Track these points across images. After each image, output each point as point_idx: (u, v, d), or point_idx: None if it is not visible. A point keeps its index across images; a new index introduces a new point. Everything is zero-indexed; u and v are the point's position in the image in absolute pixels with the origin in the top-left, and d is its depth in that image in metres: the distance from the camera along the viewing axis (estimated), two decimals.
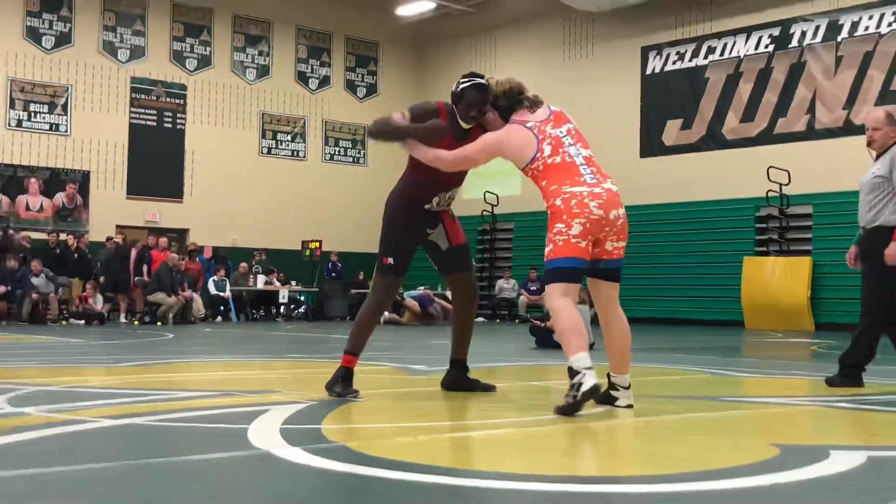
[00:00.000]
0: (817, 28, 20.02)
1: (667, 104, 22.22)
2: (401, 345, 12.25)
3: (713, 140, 21.35)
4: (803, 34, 20.22)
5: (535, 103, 5.46)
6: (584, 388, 4.81)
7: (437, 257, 6.00)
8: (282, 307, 21.91)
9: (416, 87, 27.66)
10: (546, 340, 11.30)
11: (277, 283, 22.01)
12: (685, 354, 10.56)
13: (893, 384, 7.04)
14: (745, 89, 20.96)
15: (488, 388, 6.02)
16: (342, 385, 5.56)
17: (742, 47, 21.13)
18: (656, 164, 22.20)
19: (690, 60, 21.95)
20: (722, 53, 21.44)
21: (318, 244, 23.44)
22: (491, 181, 25.24)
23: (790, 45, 20.39)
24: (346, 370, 5.67)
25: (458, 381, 6.06)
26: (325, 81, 26.29)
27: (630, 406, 5.26)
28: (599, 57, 23.60)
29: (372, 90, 27.11)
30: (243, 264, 21.73)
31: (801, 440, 4.43)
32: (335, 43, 26.50)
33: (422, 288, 20.61)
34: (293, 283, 22.69)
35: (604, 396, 5.25)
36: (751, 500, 3.06)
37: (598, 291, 5.35)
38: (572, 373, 4.92)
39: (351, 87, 26.78)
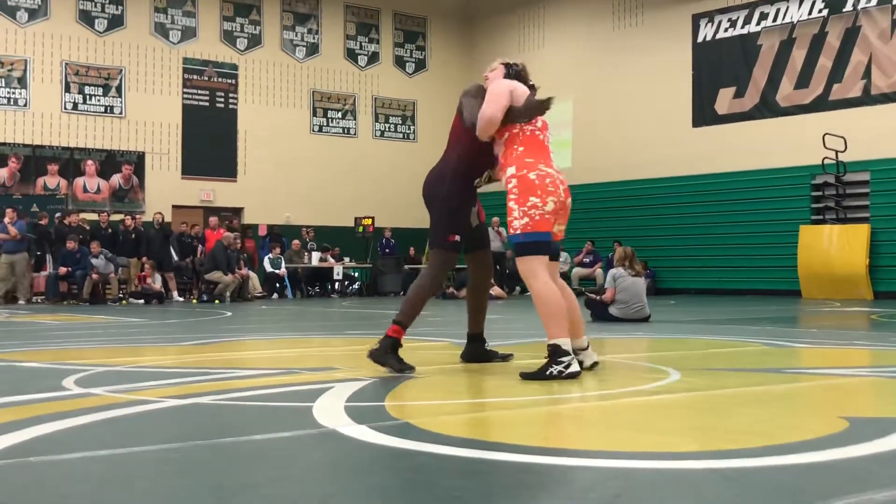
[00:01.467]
0: None
1: (719, 72, 21.93)
2: (457, 320, 12.26)
3: (767, 108, 21.05)
4: None
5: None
6: (573, 369, 5.23)
7: (470, 235, 6.08)
8: (336, 283, 22.05)
9: (465, 61, 27.58)
10: (601, 313, 11.25)
11: (332, 260, 22.15)
12: (742, 326, 10.46)
13: None
14: (798, 55, 20.62)
15: (506, 358, 6.20)
16: (395, 359, 5.63)
17: (795, 12, 20.77)
18: (709, 134, 21.94)
19: (742, 27, 21.63)
20: (774, 19, 21.09)
21: (370, 220, 23.54)
22: None
23: (844, 9, 19.99)
24: (394, 341, 5.73)
25: (477, 353, 6.24)
26: (374, 58, 26.30)
27: (595, 363, 5.70)
28: (649, 26, 23.34)
29: (421, 65, 27.07)
30: (296, 241, 21.89)
31: (870, 413, 4.37)
32: (383, 19, 26.48)
33: None
34: (347, 259, 22.82)
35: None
36: (823, 474, 3.03)
37: None
38: (558, 351, 5.22)
39: (400, 62, 26.77)
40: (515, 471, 3.07)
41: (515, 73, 5.78)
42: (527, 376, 5.30)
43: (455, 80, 27.37)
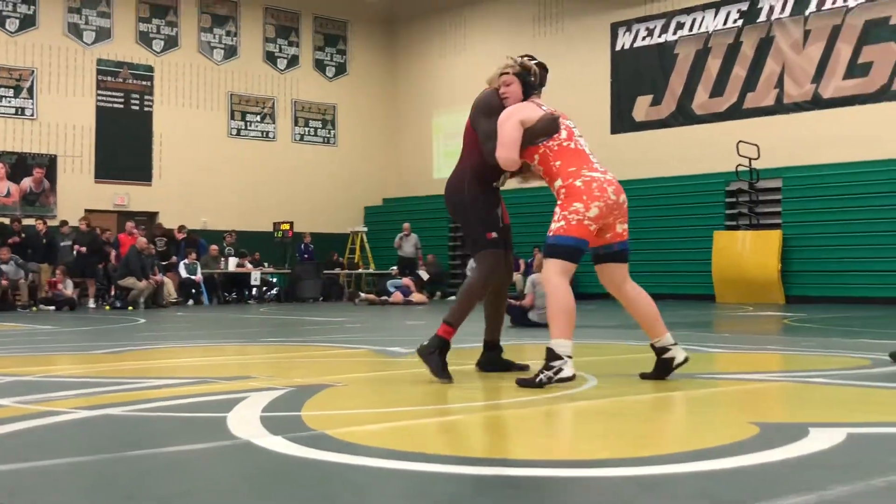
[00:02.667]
0: (785, 2, 20.09)
1: (637, 80, 22.25)
2: (376, 326, 12.24)
3: (683, 115, 21.42)
4: (771, 8, 20.28)
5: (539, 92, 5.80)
6: (564, 374, 5.10)
7: None
8: (254, 289, 21.82)
9: (387, 65, 27.56)
10: (521, 319, 11.30)
11: (249, 266, 21.91)
12: None
13: (867, 358, 7.09)
14: (713, 64, 21.03)
15: (523, 368, 6.05)
16: (438, 362, 5.58)
17: (711, 22, 21.18)
18: (627, 141, 22.25)
19: (660, 36, 21.99)
20: (691, 29, 21.49)
21: (289, 225, 23.34)
22: None
23: (758, 20, 20.45)
24: (444, 342, 5.67)
25: (493, 361, 6.13)
26: (293, 61, 26.12)
27: (686, 359, 5.59)
28: (569, 34, 23.59)
29: (341, 69, 26.96)
30: (214, 247, 21.60)
31: (780, 418, 4.45)
32: (303, 22, 26.32)
33: (403, 279, 20.68)
34: (265, 264, 22.60)
35: (660, 366, 5.61)
36: (734, 480, 3.07)
37: (611, 273, 5.59)
38: (552, 355, 5.11)
39: (320, 66, 26.63)
40: (431, 481, 3.06)
41: (531, 82, 5.68)
42: (522, 383, 5.25)
43: (376, 84, 27.34)
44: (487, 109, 5.69)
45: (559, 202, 5.35)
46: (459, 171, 5.89)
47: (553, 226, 5.31)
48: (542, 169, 5.51)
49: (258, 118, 25.44)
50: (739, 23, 20.75)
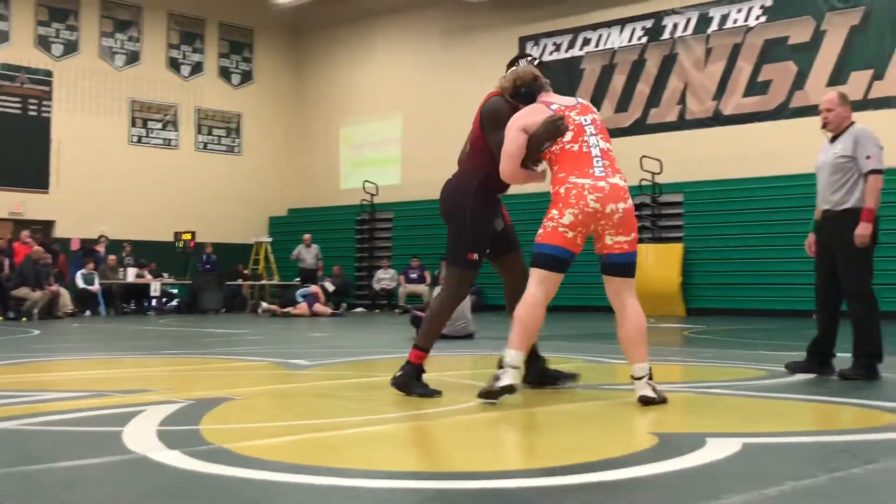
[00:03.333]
0: (688, 21, 20.56)
1: None
2: (279, 338, 12.11)
3: None
4: (675, 27, 20.73)
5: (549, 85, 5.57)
6: (501, 383, 5.01)
7: (494, 240, 5.85)
8: (153, 300, 21.40)
9: (293, 75, 27.36)
10: None
11: (149, 276, 21.49)
12: (563, 342, 10.70)
13: (764, 369, 7.27)
14: (618, 80, 21.39)
15: (574, 377, 5.92)
16: (420, 385, 5.42)
17: (616, 39, 21.54)
18: None
19: (567, 51, 22.28)
20: (597, 45, 21.82)
21: (190, 235, 22.96)
22: (370, 170, 25.22)
23: (662, 38, 20.88)
24: (417, 367, 5.50)
25: (544, 375, 5.88)
26: (197, 68, 25.75)
27: (647, 399, 5.08)
28: (478, 46, 23.71)
29: (247, 77, 26.67)
30: (112, 257, 21.14)
31: (679, 428, 4.53)
32: (208, 29, 25.96)
33: (311, 286, 20.52)
34: (165, 275, 22.18)
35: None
36: (634, 491, 3.12)
37: (607, 285, 5.40)
38: (500, 363, 5.13)
39: (225, 73, 26.30)
40: (332, 494, 3.04)
41: (528, 93, 5.50)
42: (480, 394, 5.13)
43: (283, 93, 27.12)
44: (496, 120, 5.49)
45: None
46: (464, 178, 5.69)
47: (539, 232, 5.24)
48: (551, 171, 5.37)
49: (160, 125, 25.00)
50: (644, 40, 21.16)
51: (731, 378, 6.67)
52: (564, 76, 22.17)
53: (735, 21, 19.90)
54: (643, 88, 20.92)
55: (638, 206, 20.43)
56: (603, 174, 5.15)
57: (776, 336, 12.09)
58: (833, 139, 6.92)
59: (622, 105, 21.21)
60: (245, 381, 6.47)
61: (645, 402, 5.05)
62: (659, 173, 19.51)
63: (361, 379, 6.12)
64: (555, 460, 3.67)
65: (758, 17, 19.62)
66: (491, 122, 5.53)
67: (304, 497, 3.02)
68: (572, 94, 22.10)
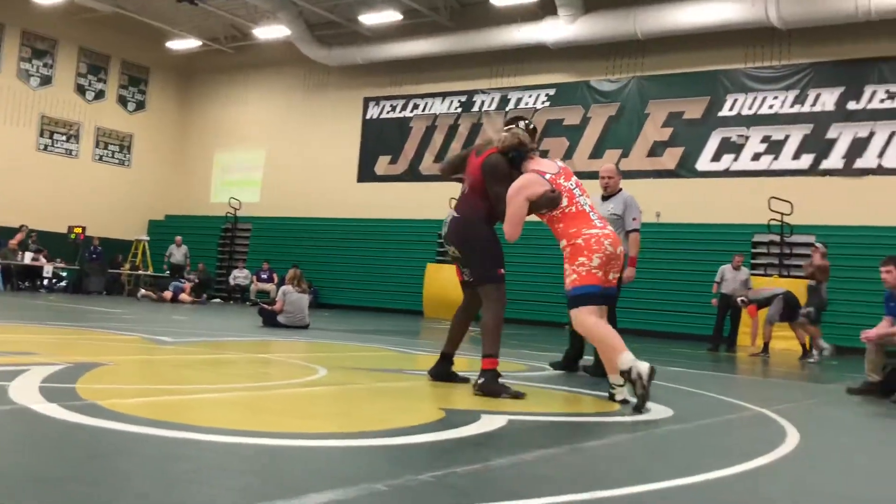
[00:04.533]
0: (492, 99, 21.08)
1: (380, 143, 22.55)
2: (150, 318, 11.61)
3: (412, 174, 21.90)
4: (483, 102, 21.21)
5: (537, 150, 5.33)
6: (638, 371, 4.62)
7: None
8: (46, 280, 20.13)
9: (180, 107, 26.43)
10: (271, 321, 11.10)
11: (43, 260, 20.20)
12: (380, 335, 10.73)
13: (525, 364, 7.48)
14: (438, 138, 21.68)
15: (465, 380, 5.54)
16: (507, 390, 4.96)
17: (439, 106, 21.84)
18: (369, 188, 22.47)
19: (400, 112, 22.42)
20: (423, 109, 22.06)
21: (81, 229, 21.82)
22: (236, 189, 24.62)
23: (473, 109, 21.32)
24: (495, 372, 5.06)
25: (445, 373, 5.56)
26: (100, 94, 24.47)
27: (626, 402, 4.92)
28: (332, 100, 23.58)
29: (141, 106, 25.54)
30: (12, 241, 19.75)
31: (462, 405, 4.58)
32: (112, 63, 24.73)
33: (185, 282, 19.94)
34: (58, 260, 20.92)
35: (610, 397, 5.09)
36: (421, 454, 3.15)
37: (596, 313, 5.09)
38: (624, 374, 4.72)
39: (122, 101, 25.10)
40: (182, 446, 2.94)
41: (517, 157, 5.25)
42: (636, 409, 4.65)
43: (170, 121, 26.16)
44: (499, 175, 5.23)
45: (565, 259, 4.99)
46: (474, 210, 5.32)
47: (567, 280, 4.93)
48: (550, 226, 5.16)
49: (64, 138, 23.60)
50: (459, 110, 21.54)
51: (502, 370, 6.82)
52: (397, 131, 22.32)
53: (527, 103, 20.54)
54: (456, 146, 21.26)
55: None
56: (602, 225, 5.05)
57: (535, 340, 12.46)
58: (605, 198, 7.23)
59: (439, 157, 21.47)
60: (117, 350, 6.17)
61: (624, 402, 4.93)
62: None
63: (215, 355, 5.95)
64: (362, 427, 3.67)
65: (543, 102, 20.33)
66: (493, 175, 5.26)
67: (159, 446, 2.91)
68: (402, 146, 22.41)
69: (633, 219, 7.01)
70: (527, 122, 5.46)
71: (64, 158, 23.56)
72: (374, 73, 22.63)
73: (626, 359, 4.72)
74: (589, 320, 4.89)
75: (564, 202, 5.04)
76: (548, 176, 5.10)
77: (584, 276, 4.90)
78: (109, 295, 20.49)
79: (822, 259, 12.31)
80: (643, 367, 4.62)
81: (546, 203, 5.02)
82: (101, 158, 24.39)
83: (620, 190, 7.24)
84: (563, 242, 5.02)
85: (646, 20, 17.81)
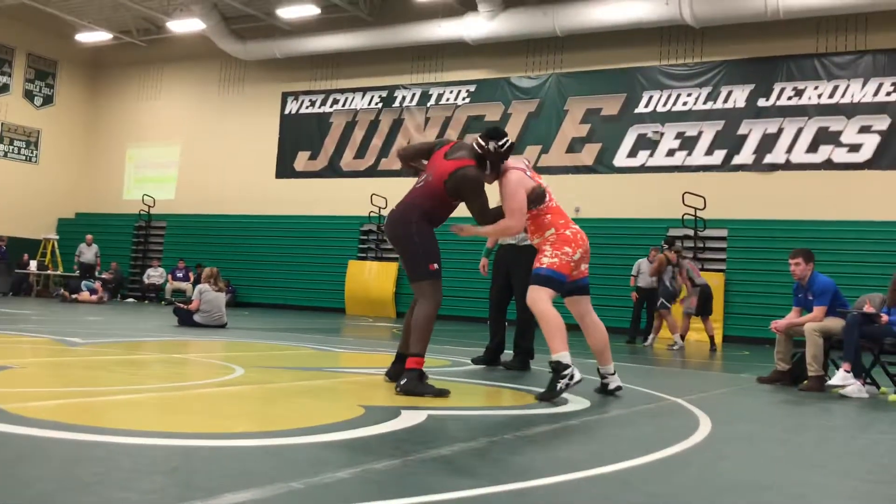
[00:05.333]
0: (413, 95, 21.07)
1: (299, 139, 22.30)
2: (59, 319, 11.22)
3: (333, 170, 21.73)
4: (404, 98, 21.18)
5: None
6: (575, 378, 5.00)
7: None
8: None
9: (90, 102, 25.60)
10: (187, 320, 10.87)
11: None
12: (299, 333, 10.62)
13: (448, 360, 7.51)
14: (359, 134, 21.55)
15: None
16: (428, 386, 4.89)
17: (359, 102, 21.72)
18: (288, 185, 22.20)
19: (319, 107, 22.20)
20: (344, 104, 21.90)
21: None
22: (150, 185, 24.01)
23: (394, 105, 21.26)
24: (420, 372, 4.97)
25: (401, 373, 5.19)
26: (4, 88, 23.51)
27: (619, 388, 5.50)
28: (249, 95, 23.20)
29: (48, 100, 24.65)
30: None
31: (381, 402, 4.58)
32: (17, 56, 23.78)
33: (96, 282, 19.38)
34: None
35: (600, 388, 5.52)
36: (339, 450, 3.13)
37: (577, 304, 5.50)
38: (560, 366, 4.95)
39: (29, 95, 24.18)
40: (92, 449, 2.85)
41: (484, 164, 5.23)
42: (542, 397, 4.91)
43: (79, 116, 25.32)
44: (479, 190, 5.19)
45: (548, 243, 5.20)
46: (408, 208, 5.21)
47: (545, 259, 5.15)
48: (530, 224, 5.32)
49: None
50: (380, 105, 21.46)
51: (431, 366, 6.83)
52: (317, 127, 22.10)
53: (447, 99, 20.60)
54: (377, 142, 21.20)
55: (366, 232, 20.69)
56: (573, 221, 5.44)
57: (463, 336, 12.53)
58: None
59: (360, 153, 21.39)
60: (25, 353, 5.95)
61: (617, 389, 5.49)
62: (384, 207, 19.78)
63: (128, 356, 5.79)
64: (280, 426, 3.62)
65: (464, 98, 20.42)
66: (474, 190, 5.18)
67: (66, 450, 2.81)
68: (321, 142, 22.23)
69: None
70: (505, 141, 5.29)
71: None
72: (292, 68, 22.37)
73: (566, 357, 4.99)
74: (546, 303, 5.08)
75: (548, 197, 5.34)
76: (528, 173, 5.36)
77: (563, 264, 5.18)
78: (16, 296, 19.75)
79: (657, 255, 12.99)
80: (577, 374, 5.02)
81: (536, 198, 5.27)
82: (5, 155, 23.47)
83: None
84: (552, 231, 5.26)
85: (564, 17, 18.07)
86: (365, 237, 20.82)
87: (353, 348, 8.78)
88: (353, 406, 4.28)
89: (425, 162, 5.49)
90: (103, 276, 20.54)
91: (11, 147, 23.63)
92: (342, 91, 21.93)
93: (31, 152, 24.14)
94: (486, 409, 4.80)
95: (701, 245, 17.03)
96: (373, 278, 19.64)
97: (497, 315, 7.38)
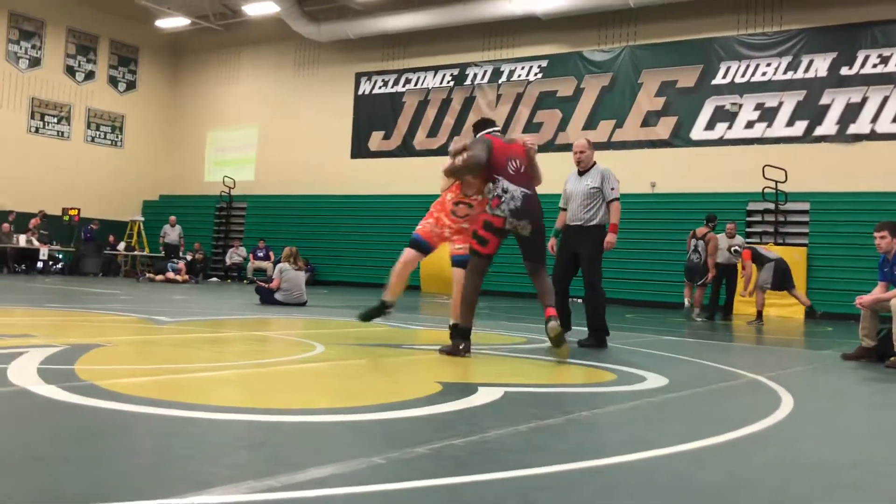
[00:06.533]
0: (485, 72, 20.97)
1: (373, 119, 22.47)
2: (146, 298, 11.62)
3: (406, 149, 21.85)
4: (475, 75, 21.10)
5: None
6: (461, 349, 5.58)
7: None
8: (41, 263, 20.10)
9: (171, 87, 26.28)
10: (268, 298, 11.13)
11: (38, 242, 20.17)
12: None
13: (525, 337, 7.51)
14: (431, 113, 21.59)
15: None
16: (465, 343, 5.60)
17: (431, 81, 21.73)
18: (363, 164, 22.42)
19: (392, 87, 22.31)
20: (416, 84, 21.95)
21: (76, 211, 21.76)
22: (230, 168, 24.53)
23: (465, 83, 21.21)
24: (466, 330, 5.67)
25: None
26: (90, 75, 24.32)
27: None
28: (323, 77, 23.46)
29: (132, 86, 25.40)
30: (6, 224, 19.74)
31: (458, 379, 4.62)
32: (101, 44, 24.56)
33: (179, 262, 20.10)
34: (53, 242, 20.89)
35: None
36: (418, 426, 3.17)
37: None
38: (452, 329, 5.67)
39: (113, 81, 24.95)
40: (180, 424, 2.96)
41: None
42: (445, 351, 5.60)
43: (161, 101, 26.02)
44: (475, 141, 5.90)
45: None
46: (536, 195, 5.85)
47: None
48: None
49: (56, 120, 23.49)
50: (451, 83, 21.44)
51: (497, 343, 6.86)
52: (390, 106, 22.22)
53: (519, 75, 20.45)
54: (449, 120, 21.21)
55: None
56: None
57: (534, 313, 12.50)
58: (581, 173, 7.23)
59: (433, 132, 21.44)
60: (115, 331, 6.18)
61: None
62: None
63: (212, 334, 5.96)
64: (360, 402, 3.69)
65: (536, 74, 20.23)
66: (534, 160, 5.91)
67: (157, 425, 2.92)
68: (395, 121, 22.36)
69: (612, 188, 7.12)
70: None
71: (56, 140, 23.46)
72: (365, 48, 22.50)
73: (467, 324, 5.58)
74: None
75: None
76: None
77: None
78: (106, 276, 20.49)
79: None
80: (468, 347, 5.54)
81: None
82: (93, 140, 24.29)
83: (594, 164, 7.26)
84: (481, 198, 5.84)
85: None
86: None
87: (429, 325, 8.85)
88: (431, 382, 4.32)
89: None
90: (187, 256, 21.13)
91: (98, 132, 24.46)
92: (414, 70, 21.97)
93: (117, 137, 24.93)
94: (563, 387, 4.79)
95: (782, 219, 16.57)
96: (446, 256, 19.69)
97: (560, 293, 7.34)
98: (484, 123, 6.21)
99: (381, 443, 2.82)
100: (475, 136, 6.06)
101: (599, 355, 6.34)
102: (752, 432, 3.39)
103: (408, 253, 6.05)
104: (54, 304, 9.57)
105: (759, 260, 12.41)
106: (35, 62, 23.06)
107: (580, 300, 7.40)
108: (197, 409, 3.18)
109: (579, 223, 7.11)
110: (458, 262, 6.12)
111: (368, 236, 21.48)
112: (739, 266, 12.97)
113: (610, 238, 7.00)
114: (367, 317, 6.10)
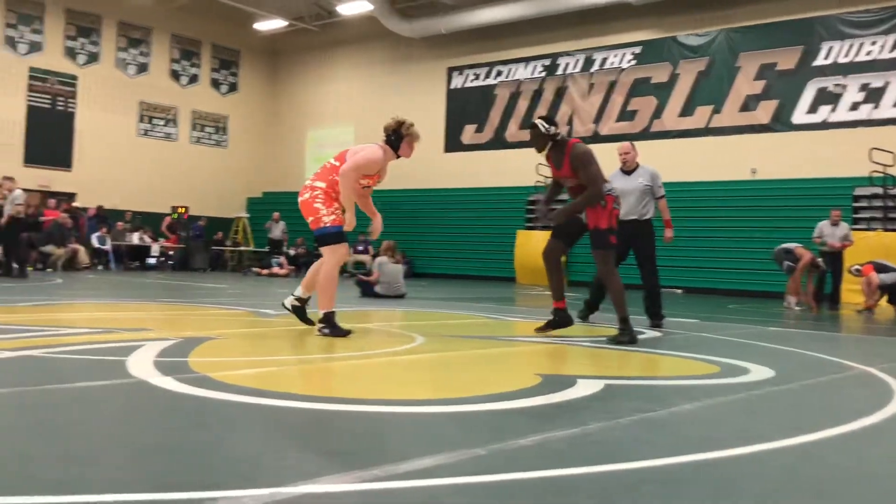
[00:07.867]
0: (577, 61, 20.72)
1: (465, 112, 22.51)
2: (252, 292, 11.97)
3: (498, 141, 21.81)
4: (567, 65, 20.88)
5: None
6: (338, 334, 5.72)
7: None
8: (153, 259, 20.98)
9: (271, 87, 26.98)
10: (368, 291, 11.30)
11: (149, 239, 21.06)
12: (473, 303, 10.77)
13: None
14: (522, 105, 21.48)
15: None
16: (630, 334, 5.98)
17: (522, 72, 21.62)
18: (456, 158, 22.50)
19: (483, 80, 22.30)
20: (507, 76, 21.88)
21: (185, 209, 22.60)
22: None
23: (557, 73, 21.01)
24: (626, 331, 6.04)
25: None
26: (193, 79, 25.20)
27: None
28: (415, 73, 23.63)
29: (233, 88, 26.20)
30: (120, 223, 20.70)
31: (557, 371, 4.59)
32: (203, 48, 25.42)
33: (281, 257, 20.64)
34: (163, 239, 21.78)
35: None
36: (519, 418, 3.17)
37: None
38: (327, 317, 5.77)
39: (215, 84, 25.79)
40: (288, 414, 3.04)
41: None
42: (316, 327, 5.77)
43: (262, 102, 26.76)
44: (589, 160, 6.13)
45: (323, 201, 6.02)
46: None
47: (327, 220, 5.95)
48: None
49: (163, 122, 24.45)
50: (543, 74, 21.27)
51: (596, 335, 6.78)
52: (482, 99, 22.22)
53: (612, 63, 20.12)
54: (540, 112, 21.05)
55: (533, 202, 20.62)
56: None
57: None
58: (628, 172, 7.76)
59: (524, 124, 21.32)
60: (224, 324, 6.39)
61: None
62: (549, 177, 19.60)
63: (314, 327, 6.09)
64: (461, 393, 3.71)
65: (629, 61, 19.86)
66: (587, 161, 6.13)
67: (265, 415, 3.01)
68: (487, 114, 22.26)
69: (660, 187, 7.79)
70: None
71: (163, 142, 24.41)
72: (456, 43, 22.55)
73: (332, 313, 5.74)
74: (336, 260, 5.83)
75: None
76: None
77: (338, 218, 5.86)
78: (214, 271, 21.21)
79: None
80: (344, 333, 5.64)
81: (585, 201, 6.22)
82: (198, 140, 25.16)
83: (638, 164, 7.85)
84: (325, 185, 5.94)
85: None
86: (531, 207, 20.77)
87: (526, 317, 8.82)
88: (530, 374, 4.30)
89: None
90: (290, 250, 21.67)
91: (203, 133, 25.33)
92: (505, 62, 21.90)
93: (221, 137, 25.77)
94: (665, 379, 4.70)
95: (891, 204, 15.80)
96: (540, 248, 19.57)
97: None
98: (549, 121, 6.42)
99: (484, 434, 2.82)
100: (562, 147, 6.28)
101: (700, 347, 6.20)
102: (864, 426, 3.26)
103: None
104: (166, 298, 9.96)
105: (882, 270, 11.89)
106: (142, 68, 24.03)
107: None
108: (302, 400, 3.26)
109: (636, 217, 7.65)
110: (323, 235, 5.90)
111: (463, 229, 21.57)
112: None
113: (669, 233, 7.81)
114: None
